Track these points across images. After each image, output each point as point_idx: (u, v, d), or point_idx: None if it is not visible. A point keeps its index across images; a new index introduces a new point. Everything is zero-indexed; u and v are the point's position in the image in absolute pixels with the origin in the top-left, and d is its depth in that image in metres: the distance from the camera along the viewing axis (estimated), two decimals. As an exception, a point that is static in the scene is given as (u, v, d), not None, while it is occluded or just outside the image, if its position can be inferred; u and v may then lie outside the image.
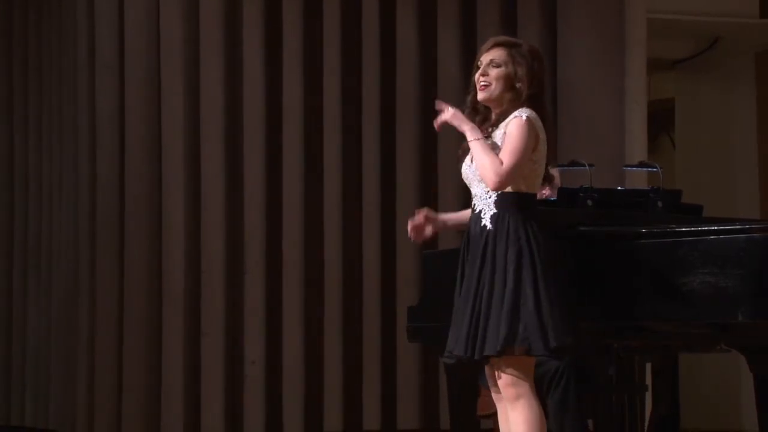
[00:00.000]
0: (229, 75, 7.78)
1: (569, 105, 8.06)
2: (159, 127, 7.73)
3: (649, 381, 6.18)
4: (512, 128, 4.55)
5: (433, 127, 7.94)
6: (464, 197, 7.90)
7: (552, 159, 4.68)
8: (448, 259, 5.66)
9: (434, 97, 7.90)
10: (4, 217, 8.83)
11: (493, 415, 6.01)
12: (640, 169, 6.90)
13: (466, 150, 4.70)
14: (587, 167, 5.39)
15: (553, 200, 5.68)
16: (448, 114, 4.67)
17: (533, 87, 4.61)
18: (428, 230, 4.82)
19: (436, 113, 8.33)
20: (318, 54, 7.86)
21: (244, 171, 7.77)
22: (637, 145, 8.09)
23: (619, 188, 6.04)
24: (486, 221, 4.58)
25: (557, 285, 4.51)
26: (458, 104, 7.97)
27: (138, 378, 7.64)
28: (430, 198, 7.90)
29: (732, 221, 5.22)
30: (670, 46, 9.38)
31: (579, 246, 4.97)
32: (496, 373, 4.56)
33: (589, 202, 5.28)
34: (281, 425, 7.72)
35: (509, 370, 4.52)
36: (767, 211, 8.87)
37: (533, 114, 4.57)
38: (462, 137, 4.73)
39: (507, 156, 4.52)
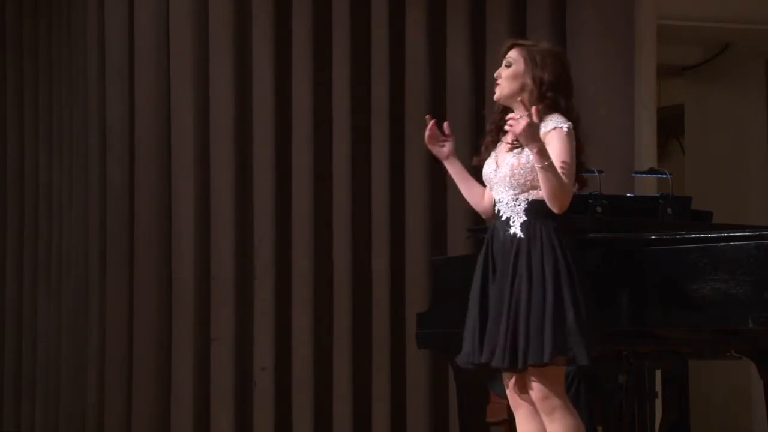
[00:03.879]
0: (238, 82, 7.79)
1: (578, 110, 8.04)
2: (168, 134, 7.74)
3: (659, 388, 6.17)
4: (558, 144, 4.47)
5: (443, 134, 7.98)
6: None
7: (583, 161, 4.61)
8: (456, 265, 5.66)
9: (443, 102, 8.00)
10: (15, 224, 8.84)
11: (503, 422, 6.02)
12: (649, 175, 6.89)
13: (489, 148, 4.65)
14: (596, 173, 5.39)
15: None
16: (523, 124, 4.38)
17: (545, 85, 4.55)
18: (444, 148, 4.80)
19: (446, 119, 8.33)
20: (328, 61, 7.86)
21: (253, 177, 7.77)
22: (646, 152, 8.08)
23: (629, 195, 6.04)
24: (516, 229, 4.51)
25: (588, 292, 4.48)
26: (466, 111, 8.00)
27: (147, 384, 7.64)
28: (439, 204, 7.90)
29: (742, 228, 5.21)
30: (680, 51, 9.37)
31: (588, 253, 4.96)
32: (531, 385, 4.50)
33: (599, 209, 5.28)
34: (290, 431, 7.72)
35: (544, 382, 4.49)
36: (778, 218, 8.86)
37: (569, 123, 4.52)
38: (472, 138, 4.69)
39: (568, 171, 4.44)
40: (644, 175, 6.94)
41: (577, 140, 4.56)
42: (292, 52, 7.84)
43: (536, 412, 4.55)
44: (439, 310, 5.52)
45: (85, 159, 7.95)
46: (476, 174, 4.86)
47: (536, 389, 4.50)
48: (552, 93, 4.56)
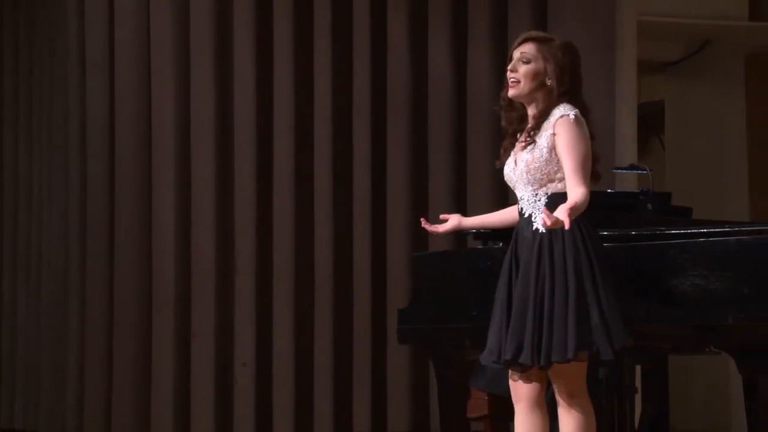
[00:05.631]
0: (219, 75, 7.78)
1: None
2: (149, 128, 7.73)
3: (638, 383, 6.18)
4: (566, 135, 4.43)
5: (424, 130, 8.01)
6: (455, 200, 7.93)
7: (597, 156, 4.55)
8: (438, 261, 5.66)
9: (425, 99, 8.00)
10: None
11: (484, 418, 6.03)
12: (630, 171, 6.91)
13: (508, 150, 4.60)
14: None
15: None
16: (552, 221, 4.31)
17: (566, 83, 4.50)
18: (444, 226, 4.83)
19: (427, 116, 8.32)
20: (309, 54, 7.86)
21: (234, 172, 7.76)
22: (627, 147, 8.09)
23: (609, 190, 6.04)
24: (538, 224, 4.47)
25: (612, 285, 4.46)
26: (448, 106, 8.01)
27: (128, 380, 7.63)
28: (421, 200, 7.90)
29: (722, 223, 5.23)
30: (660, 48, 9.39)
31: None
32: (554, 380, 4.48)
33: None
34: (271, 426, 7.72)
35: (567, 377, 4.46)
36: (757, 214, 8.89)
37: (576, 110, 4.47)
38: (493, 140, 4.65)
39: (580, 169, 4.40)
40: (625, 170, 6.95)
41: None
42: (274, 47, 7.83)
43: (536, 406, 4.54)
44: (420, 306, 5.52)
45: (65, 154, 7.93)
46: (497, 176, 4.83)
47: (561, 386, 4.47)
48: (570, 89, 4.52)
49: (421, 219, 4.89)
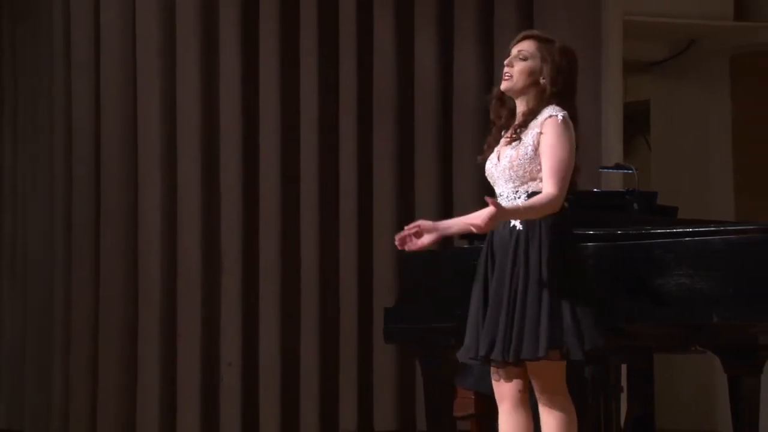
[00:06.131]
0: (205, 75, 7.77)
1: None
2: (135, 128, 7.72)
3: (624, 382, 6.20)
4: (551, 135, 4.44)
5: (411, 129, 8.02)
6: (441, 198, 7.94)
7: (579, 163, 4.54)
8: (424, 260, 5.67)
9: (411, 98, 8.01)
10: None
11: (470, 417, 6.04)
12: (615, 170, 6.92)
13: (491, 145, 4.61)
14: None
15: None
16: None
17: (559, 85, 4.50)
18: (424, 240, 4.55)
19: (413, 115, 8.33)
20: (295, 53, 7.86)
21: (220, 171, 7.76)
22: (612, 147, 8.11)
23: (595, 190, 6.06)
24: (515, 222, 4.47)
25: (587, 285, 4.47)
26: (435, 105, 8.01)
27: (114, 380, 7.62)
28: (407, 200, 7.91)
29: (707, 223, 5.24)
30: (646, 48, 9.41)
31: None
32: (533, 379, 4.49)
33: (565, 204, 5.29)
34: (257, 426, 7.71)
35: (545, 375, 4.46)
36: (742, 213, 8.91)
37: (564, 112, 4.47)
38: (478, 139, 4.63)
39: (556, 172, 4.40)
40: (610, 170, 6.96)
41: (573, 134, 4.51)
42: (260, 47, 7.83)
43: (520, 405, 4.55)
44: (407, 305, 5.53)
45: (50, 153, 7.92)
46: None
47: (540, 385, 4.48)
48: (562, 93, 4.53)
49: (396, 241, 4.59)
